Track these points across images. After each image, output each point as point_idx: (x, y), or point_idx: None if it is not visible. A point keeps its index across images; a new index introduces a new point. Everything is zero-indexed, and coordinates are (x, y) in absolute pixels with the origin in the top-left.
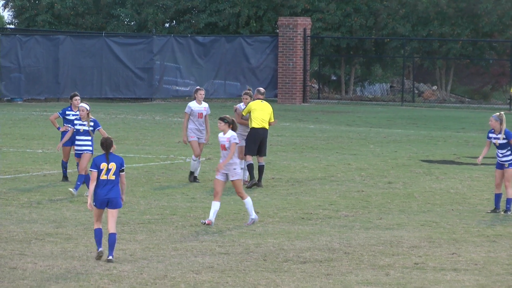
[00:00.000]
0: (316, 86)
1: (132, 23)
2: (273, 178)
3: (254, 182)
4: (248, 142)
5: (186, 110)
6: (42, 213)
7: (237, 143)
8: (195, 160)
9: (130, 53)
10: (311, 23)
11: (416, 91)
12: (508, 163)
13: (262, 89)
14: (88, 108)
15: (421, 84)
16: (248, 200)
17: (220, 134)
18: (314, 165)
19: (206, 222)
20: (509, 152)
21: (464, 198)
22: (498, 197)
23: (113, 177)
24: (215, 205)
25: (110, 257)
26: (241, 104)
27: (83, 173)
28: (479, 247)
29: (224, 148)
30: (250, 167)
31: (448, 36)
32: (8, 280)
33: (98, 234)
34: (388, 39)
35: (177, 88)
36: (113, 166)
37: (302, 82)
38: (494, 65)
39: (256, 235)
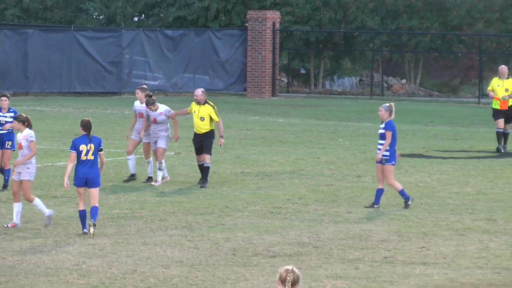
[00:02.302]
0: (285, 80)
1: (101, 16)
2: (242, 172)
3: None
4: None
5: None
6: (11, 208)
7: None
8: (129, 159)
9: (99, 47)
10: (280, 16)
11: (385, 85)
12: (385, 159)
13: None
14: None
15: (390, 77)
16: (38, 201)
17: (18, 134)
18: (283, 159)
19: (9, 225)
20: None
21: (433, 191)
22: (379, 192)
23: (92, 157)
24: (16, 207)
25: (92, 221)
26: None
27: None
28: (448, 241)
29: (21, 147)
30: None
31: (417, 30)
32: None
33: (81, 214)
34: (357, 33)
35: (146, 82)
36: (91, 147)
37: (271, 76)
38: (463, 59)
39: (225, 229)
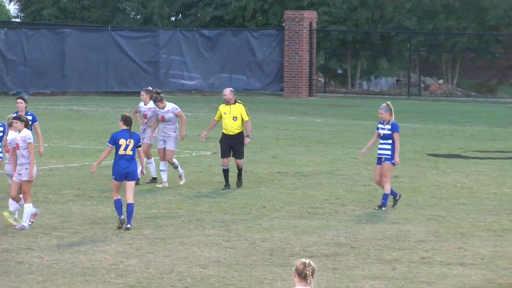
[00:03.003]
0: (322, 79)
1: (138, 16)
2: (279, 172)
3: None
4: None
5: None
6: (48, 208)
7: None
8: (149, 163)
9: (136, 47)
10: (317, 16)
11: (422, 85)
12: (385, 157)
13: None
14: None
15: (427, 77)
16: (29, 205)
17: (15, 134)
18: (320, 159)
19: (17, 227)
20: (388, 146)
21: (471, 192)
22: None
23: (130, 153)
24: (26, 208)
25: (129, 226)
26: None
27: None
28: (485, 242)
29: (18, 147)
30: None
31: (454, 30)
32: (14, 275)
33: (118, 204)
34: (394, 33)
35: (183, 81)
36: (131, 142)
37: (308, 76)
38: (501, 59)
39: (262, 229)
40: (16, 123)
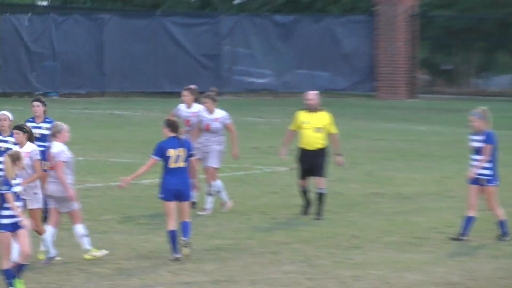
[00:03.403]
0: (426, 77)
1: None
2: (374, 193)
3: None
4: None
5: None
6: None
7: (40, 160)
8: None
9: (192, 36)
10: None
11: None
12: (487, 179)
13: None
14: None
15: None
16: (48, 236)
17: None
18: (425, 177)
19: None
20: (489, 164)
21: None
22: (470, 221)
23: (183, 164)
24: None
25: (185, 238)
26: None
27: None
28: None
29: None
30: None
31: None
32: None
33: (173, 236)
34: None
35: (251, 80)
36: (182, 152)
37: (407, 73)
38: None
39: (354, 265)
40: (18, 134)
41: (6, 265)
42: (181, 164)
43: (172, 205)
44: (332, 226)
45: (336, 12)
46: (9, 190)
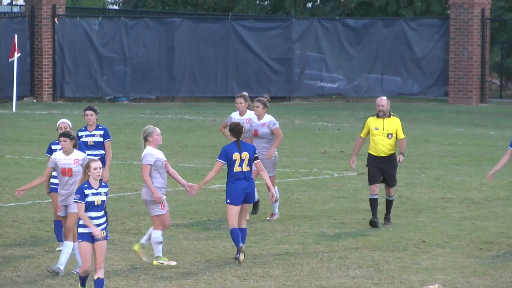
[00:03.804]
0: (498, 81)
1: (266, 2)
2: (443, 198)
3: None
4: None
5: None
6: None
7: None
8: None
9: (263, 40)
10: (491, 2)
11: None
12: None
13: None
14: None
15: None
16: (70, 245)
17: (61, 155)
18: (495, 182)
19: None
20: None
21: None
22: None
23: (247, 168)
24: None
25: (241, 244)
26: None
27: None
28: None
29: (70, 173)
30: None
31: None
32: None
33: (235, 233)
34: None
35: (322, 84)
36: (246, 155)
37: (479, 77)
38: None
39: (421, 269)
40: (65, 141)
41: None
42: (246, 167)
43: (238, 209)
44: (400, 231)
45: (409, 15)
46: (79, 200)
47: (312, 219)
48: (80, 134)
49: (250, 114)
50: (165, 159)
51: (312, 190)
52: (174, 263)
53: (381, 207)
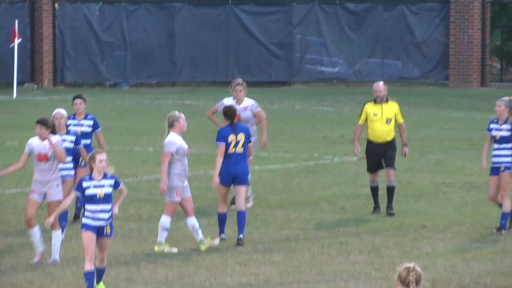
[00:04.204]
0: (498, 65)
1: None
2: (443, 182)
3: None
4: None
5: (217, 106)
6: (154, 229)
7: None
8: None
9: (264, 25)
10: None
11: None
12: (505, 166)
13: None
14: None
15: None
16: (58, 234)
17: (36, 141)
18: None
19: (36, 259)
20: (509, 151)
21: None
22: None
23: (241, 150)
24: (34, 233)
25: (241, 236)
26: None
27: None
28: None
29: (46, 158)
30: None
31: None
32: None
33: (222, 218)
34: None
35: (323, 69)
36: (241, 137)
37: (480, 61)
38: None
39: (422, 255)
40: (41, 129)
41: (89, 267)
42: (240, 149)
43: (226, 190)
44: (401, 216)
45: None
46: (75, 190)
47: (312, 205)
48: (68, 122)
49: (248, 102)
50: (187, 146)
51: (313, 175)
52: (175, 250)
53: (382, 192)
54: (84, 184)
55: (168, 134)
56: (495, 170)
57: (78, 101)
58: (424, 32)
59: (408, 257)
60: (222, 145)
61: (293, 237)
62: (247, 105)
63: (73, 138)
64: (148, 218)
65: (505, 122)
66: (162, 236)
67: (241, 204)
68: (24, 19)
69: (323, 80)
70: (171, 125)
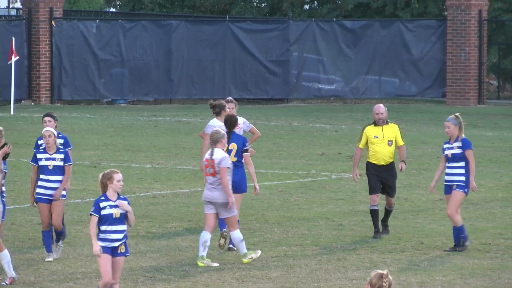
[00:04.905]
0: (495, 82)
1: (263, 4)
2: (441, 199)
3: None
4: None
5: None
6: (152, 244)
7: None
8: None
9: (261, 42)
10: (488, 3)
11: None
12: (457, 184)
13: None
14: (55, 132)
15: None
16: (6, 254)
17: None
18: (492, 183)
19: (7, 282)
20: (461, 170)
21: None
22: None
23: (234, 159)
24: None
25: (225, 229)
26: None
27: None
28: None
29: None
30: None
31: None
32: None
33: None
34: None
35: (320, 86)
36: (234, 147)
37: (477, 78)
38: None
39: (420, 271)
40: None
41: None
42: (232, 158)
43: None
44: (398, 232)
45: (407, 17)
46: (93, 212)
47: (310, 221)
48: (39, 142)
49: (240, 120)
50: None
51: (310, 192)
52: (259, 252)
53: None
54: (101, 204)
55: (213, 150)
56: (448, 188)
57: (46, 119)
58: (421, 49)
59: (406, 273)
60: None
61: (290, 253)
62: (239, 123)
63: (62, 156)
64: (145, 234)
65: (455, 140)
66: (243, 248)
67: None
68: (21, 36)
69: (320, 97)
70: (216, 142)
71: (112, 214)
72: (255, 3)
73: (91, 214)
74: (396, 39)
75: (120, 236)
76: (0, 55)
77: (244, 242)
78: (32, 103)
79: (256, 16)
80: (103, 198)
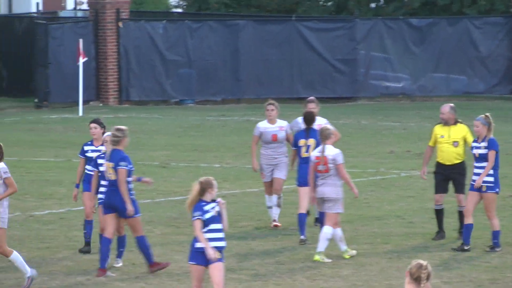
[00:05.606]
0: None
1: (330, 3)
2: (510, 195)
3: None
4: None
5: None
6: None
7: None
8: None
9: (327, 41)
10: None
11: None
12: (487, 185)
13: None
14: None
15: None
16: (16, 256)
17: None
18: None
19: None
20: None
21: None
22: (468, 229)
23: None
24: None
25: (302, 237)
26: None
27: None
28: None
29: None
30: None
31: None
32: None
33: (302, 220)
34: None
35: (387, 84)
36: (312, 142)
37: None
38: None
39: (491, 268)
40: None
41: None
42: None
43: (306, 190)
44: (478, 229)
45: (474, 14)
46: (200, 216)
47: (380, 219)
48: (85, 148)
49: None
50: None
51: (380, 190)
52: (354, 251)
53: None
54: (205, 208)
55: (324, 147)
56: (474, 187)
57: (93, 125)
58: (488, 46)
59: (477, 270)
60: (293, 150)
61: (361, 251)
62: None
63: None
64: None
65: (483, 140)
66: (343, 245)
67: (304, 206)
68: (88, 37)
69: (388, 96)
70: (327, 138)
71: (215, 216)
72: (321, 2)
73: (198, 218)
74: (463, 37)
75: (220, 235)
76: (67, 57)
77: (344, 241)
78: (100, 104)
79: (323, 15)
80: (204, 203)
